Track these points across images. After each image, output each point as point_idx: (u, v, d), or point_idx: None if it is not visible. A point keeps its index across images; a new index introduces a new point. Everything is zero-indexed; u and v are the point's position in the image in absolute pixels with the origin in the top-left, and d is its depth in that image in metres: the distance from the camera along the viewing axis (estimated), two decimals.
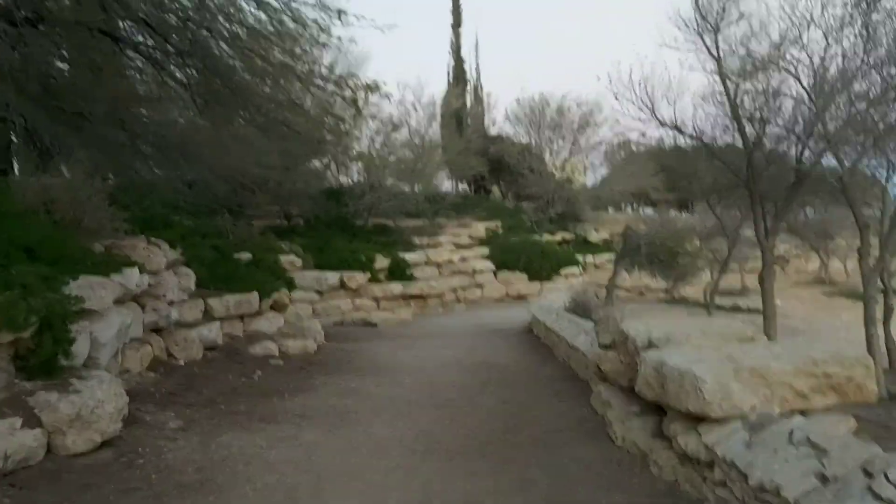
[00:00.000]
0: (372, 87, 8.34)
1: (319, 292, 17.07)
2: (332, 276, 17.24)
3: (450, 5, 30.45)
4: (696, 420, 3.37)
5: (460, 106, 29.41)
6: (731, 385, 3.24)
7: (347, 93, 8.42)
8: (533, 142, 29.05)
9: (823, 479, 2.67)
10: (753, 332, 4.43)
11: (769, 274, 8.25)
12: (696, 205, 23.67)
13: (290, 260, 17.26)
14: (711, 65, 7.57)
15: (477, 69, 31.49)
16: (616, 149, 31.53)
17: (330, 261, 17.87)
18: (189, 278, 9.39)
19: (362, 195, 20.77)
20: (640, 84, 7.84)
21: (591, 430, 5.07)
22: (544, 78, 63.87)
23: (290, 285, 16.51)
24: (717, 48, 7.55)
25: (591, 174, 31.87)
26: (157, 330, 7.98)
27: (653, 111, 7.95)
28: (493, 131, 30.87)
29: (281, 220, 20.01)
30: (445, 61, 30.88)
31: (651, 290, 22.95)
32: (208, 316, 9.37)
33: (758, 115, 7.27)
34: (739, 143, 7.76)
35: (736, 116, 7.44)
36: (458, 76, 30.43)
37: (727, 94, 7.45)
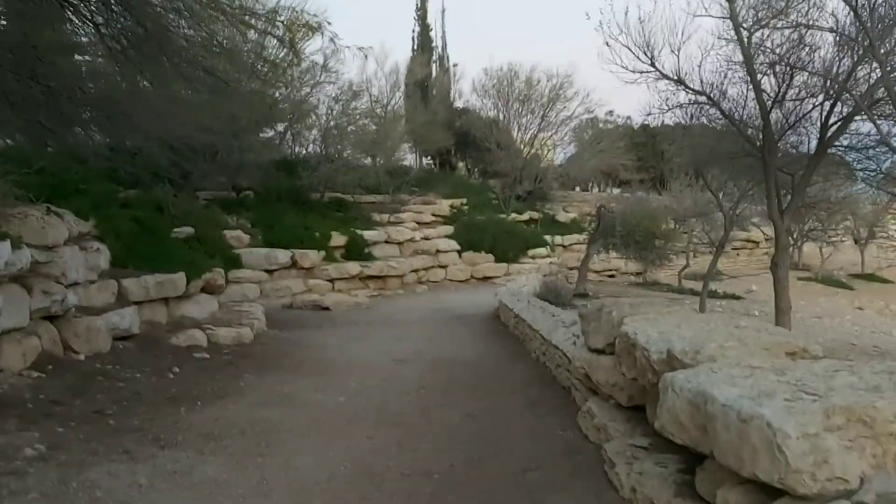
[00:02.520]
0: (312, 26, 6.95)
1: (269, 271, 15.70)
2: (283, 254, 15.89)
3: None
4: (769, 492, 2.20)
5: (426, 75, 27.93)
6: (827, 441, 2.08)
7: (281, 31, 7.02)
8: (501, 115, 27.75)
9: None
10: (804, 341, 3.28)
11: (784, 259, 7.15)
12: (672, 184, 22.72)
13: (236, 235, 15.91)
14: (720, 8, 6.38)
15: (443, 38, 30.11)
16: (585, 125, 30.43)
17: (281, 237, 16.50)
18: (99, 255, 7.98)
19: (317, 166, 19.31)
20: (638, 24, 6.58)
21: (582, 465, 3.84)
22: (514, 50, 62.63)
23: (236, 263, 15.18)
24: None
25: (559, 151, 30.72)
26: (51, 317, 6.58)
27: (652, 60, 6.73)
28: (459, 104, 29.54)
29: (229, 192, 18.47)
30: (410, 28, 29.38)
31: (622, 273, 22.05)
32: (123, 300, 7.98)
33: (785, 60, 6.04)
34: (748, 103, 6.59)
35: (750, 70, 6.25)
36: (424, 44, 28.95)
37: (740, 40, 6.26)
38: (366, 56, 7.42)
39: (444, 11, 33.99)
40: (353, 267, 16.91)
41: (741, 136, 7.18)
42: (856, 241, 28.29)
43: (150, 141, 14.66)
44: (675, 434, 2.67)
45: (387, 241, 18.72)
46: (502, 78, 27.41)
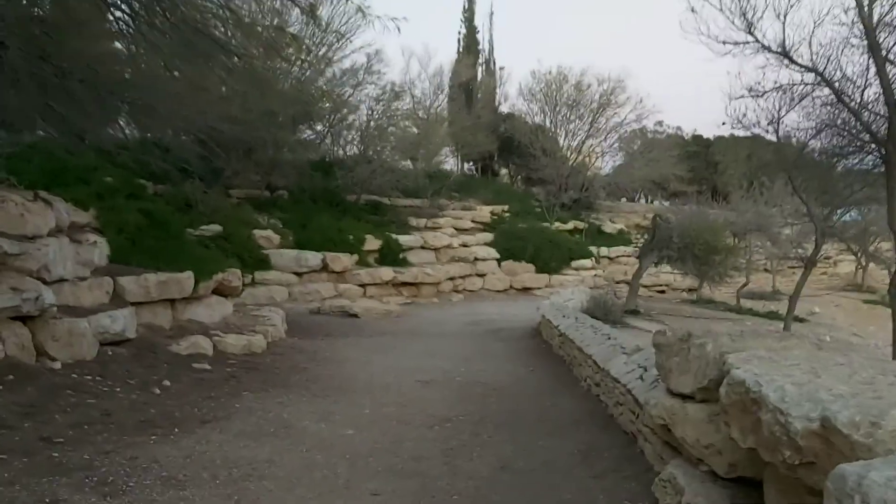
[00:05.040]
0: None
1: (298, 274, 14.97)
2: (314, 257, 15.11)
3: None
4: None
5: (470, 78, 26.91)
6: None
7: None
8: (547, 121, 26.58)
9: None
10: None
11: None
12: (732, 196, 21.26)
13: (266, 235, 15.17)
14: None
15: (490, 40, 28.98)
16: (634, 135, 29.03)
17: (313, 239, 15.72)
18: (93, 249, 7.10)
19: (354, 167, 18.45)
20: None
21: None
22: (564, 54, 61.36)
23: (264, 264, 14.48)
24: None
25: (607, 160, 29.37)
26: (24, 318, 5.68)
27: (751, 27, 5.53)
28: (505, 108, 28.44)
29: (262, 191, 17.72)
30: (456, 29, 28.40)
31: (672, 289, 20.69)
32: (118, 300, 7.08)
33: None
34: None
35: (872, 43, 5.02)
36: (470, 46, 27.91)
37: (859, 6, 5.06)
38: (398, 28, 6.43)
39: (492, 14, 32.72)
40: (387, 272, 16.04)
41: (860, 124, 5.88)
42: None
43: (172, 130, 13.95)
44: None
45: (423, 247, 17.79)
46: (551, 82, 26.33)
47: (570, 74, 25.77)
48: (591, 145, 26.82)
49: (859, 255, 24.21)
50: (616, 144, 28.12)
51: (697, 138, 33.07)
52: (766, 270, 23.69)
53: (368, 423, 5.00)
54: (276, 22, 7.73)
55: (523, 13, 57.12)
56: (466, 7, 28.00)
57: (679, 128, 33.27)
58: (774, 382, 2.32)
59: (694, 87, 48.65)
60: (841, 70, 5.85)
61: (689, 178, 28.36)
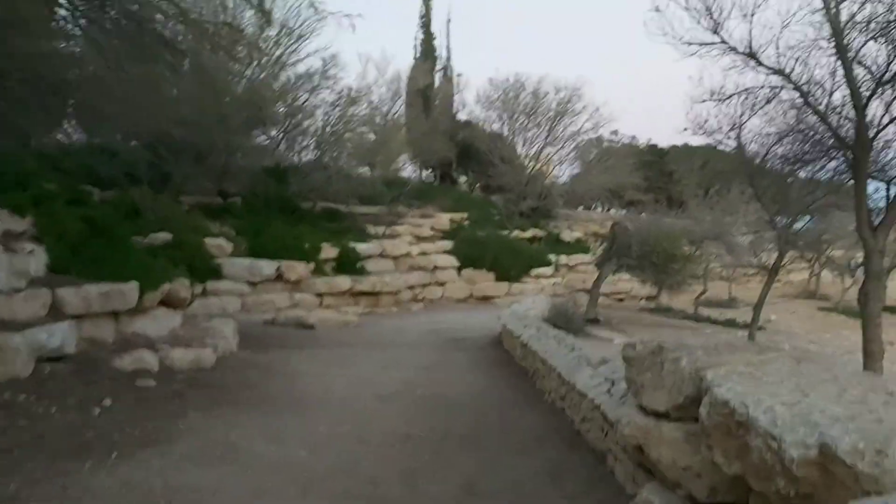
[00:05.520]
0: None
1: (252, 283, 14.52)
2: (268, 266, 14.67)
3: None
4: None
5: (428, 84, 26.74)
6: None
7: None
8: (506, 129, 26.58)
9: None
10: None
11: (875, 290, 5.73)
12: (689, 204, 21.46)
13: (218, 244, 14.64)
14: None
15: (448, 47, 28.81)
16: (591, 144, 29.17)
17: (267, 247, 15.27)
18: (30, 259, 6.67)
19: (309, 173, 18.07)
20: None
21: None
22: (521, 63, 61.92)
23: (216, 274, 14.02)
24: None
25: (565, 168, 29.44)
26: None
27: (716, 27, 5.44)
28: (463, 115, 28.35)
29: (215, 198, 17.21)
30: (413, 35, 28.22)
31: (631, 297, 20.77)
32: (57, 313, 6.64)
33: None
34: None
35: (840, 44, 4.95)
36: (427, 52, 27.73)
37: (826, 8, 4.98)
38: (353, 26, 6.22)
39: (449, 21, 32.38)
40: (344, 281, 15.69)
41: (827, 127, 5.81)
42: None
43: (120, 133, 13.40)
44: None
45: (381, 255, 17.45)
46: (508, 89, 26.32)
47: (527, 82, 25.85)
48: (549, 153, 26.87)
49: (813, 262, 24.67)
50: (573, 153, 28.22)
51: (652, 148, 33.44)
52: (721, 278, 23.98)
53: (323, 444, 4.72)
54: (227, 20, 7.44)
55: (481, 21, 57.33)
56: (423, 13, 27.82)
57: (634, 137, 33.62)
58: (762, 403, 2.14)
59: (647, 98, 49.49)
60: (808, 72, 5.82)
61: (645, 186, 28.66)
